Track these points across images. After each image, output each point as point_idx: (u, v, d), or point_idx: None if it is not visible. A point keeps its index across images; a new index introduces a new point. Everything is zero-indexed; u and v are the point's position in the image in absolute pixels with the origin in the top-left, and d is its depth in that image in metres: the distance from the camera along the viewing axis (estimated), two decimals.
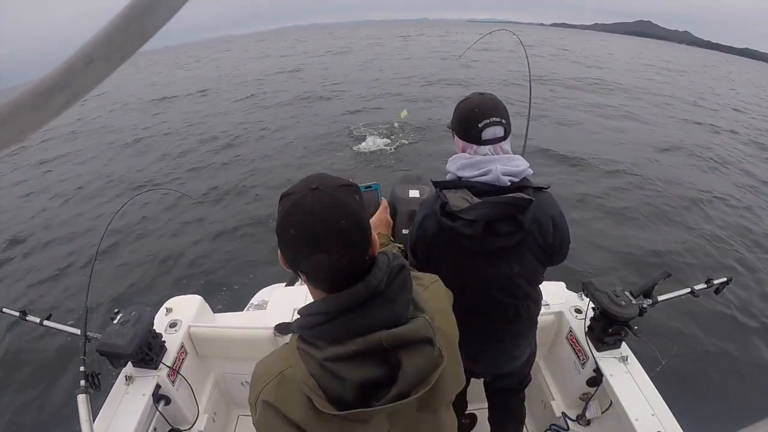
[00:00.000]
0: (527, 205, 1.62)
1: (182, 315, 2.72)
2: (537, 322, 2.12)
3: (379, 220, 1.80)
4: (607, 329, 2.37)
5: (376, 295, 0.97)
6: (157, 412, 2.33)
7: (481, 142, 1.70)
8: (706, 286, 2.55)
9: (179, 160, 11.97)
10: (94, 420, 1.94)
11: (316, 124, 14.70)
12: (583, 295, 2.74)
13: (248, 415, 3.06)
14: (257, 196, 9.11)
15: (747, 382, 5.09)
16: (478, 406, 2.74)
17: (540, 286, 1.98)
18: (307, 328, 1.01)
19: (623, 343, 2.49)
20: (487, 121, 1.67)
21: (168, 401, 2.39)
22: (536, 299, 1.98)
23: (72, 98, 0.27)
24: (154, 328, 2.38)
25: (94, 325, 2.31)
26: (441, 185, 1.78)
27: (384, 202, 1.87)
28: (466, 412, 2.74)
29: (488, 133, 1.68)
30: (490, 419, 2.64)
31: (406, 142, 12.26)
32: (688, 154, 12.67)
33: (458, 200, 1.66)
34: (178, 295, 2.94)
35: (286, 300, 2.80)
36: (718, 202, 9.42)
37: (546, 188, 1.73)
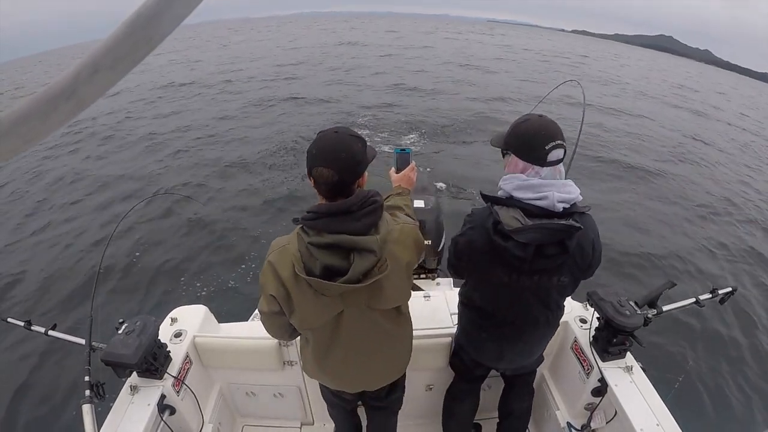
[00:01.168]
0: (576, 232, 1.69)
1: (187, 325, 2.72)
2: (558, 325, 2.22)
3: (404, 176, 2.17)
4: (611, 339, 2.37)
5: (347, 212, 1.51)
6: (162, 422, 2.32)
7: (545, 163, 1.72)
8: (711, 296, 2.55)
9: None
10: (98, 430, 1.95)
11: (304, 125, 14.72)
12: (587, 305, 2.74)
13: (253, 425, 3.07)
14: (264, 205, 9.12)
15: (751, 392, 5.06)
16: (487, 415, 2.73)
17: None
18: (304, 220, 1.54)
19: (628, 353, 2.48)
20: (553, 143, 1.70)
21: (173, 411, 2.39)
22: (563, 306, 2.09)
23: (78, 107, 0.27)
24: (159, 338, 2.38)
25: (99, 334, 2.30)
26: (492, 201, 1.82)
27: (413, 164, 2.20)
28: (474, 421, 2.85)
29: (554, 155, 1.71)
30: (505, 396, 2.75)
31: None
32: None
33: (511, 220, 1.71)
34: (183, 304, 2.95)
35: None
36: None
37: (588, 211, 1.77)
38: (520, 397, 2.71)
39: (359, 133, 1.62)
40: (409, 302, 1.95)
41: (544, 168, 1.73)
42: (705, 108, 26.31)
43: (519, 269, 1.84)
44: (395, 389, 2.28)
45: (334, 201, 1.54)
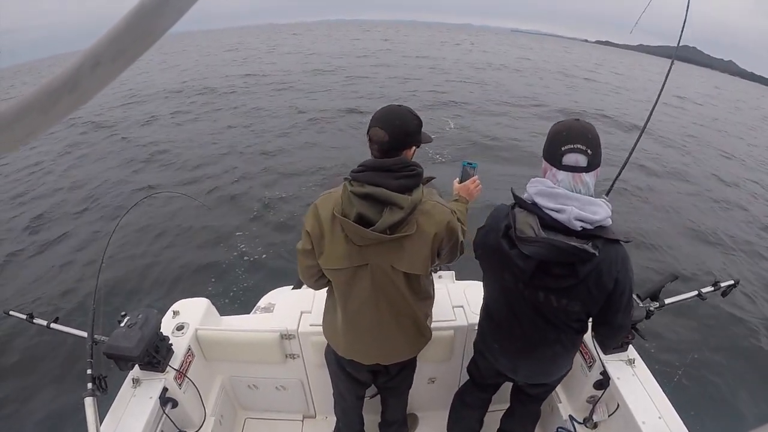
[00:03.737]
0: (589, 258, 1.59)
1: (189, 318, 2.72)
2: (579, 345, 2.16)
3: (464, 186, 2.26)
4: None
5: (388, 170, 1.71)
6: (164, 415, 2.33)
7: (560, 166, 1.64)
8: (713, 288, 2.54)
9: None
10: (101, 423, 1.95)
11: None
12: None
13: (255, 418, 3.08)
14: (265, 199, 9.13)
15: (754, 385, 5.06)
16: (498, 407, 2.73)
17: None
18: (353, 172, 1.75)
19: (630, 346, 2.48)
20: (571, 146, 1.60)
21: (175, 404, 2.40)
22: (579, 329, 1.93)
23: (79, 100, 0.27)
24: (161, 330, 2.38)
25: (101, 328, 2.31)
26: (517, 202, 1.76)
27: (475, 177, 2.27)
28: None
29: (569, 158, 1.61)
30: (509, 417, 2.68)
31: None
32: None
33: (525, 226, 1.66)
34: (185, 297, 2.95)
35: (293, 303, 2.80)
36: None
37: (624, 241, 1.66)
38: (522, 422, 2.65)
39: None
40: (434, 292, 2.18)
41: (560, 171, 1.64)
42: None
43: (522, 280, 1.77)
44: (405, 367, 2.34)
45: (378, 158, 1.76)
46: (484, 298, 2.16)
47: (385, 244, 1.75)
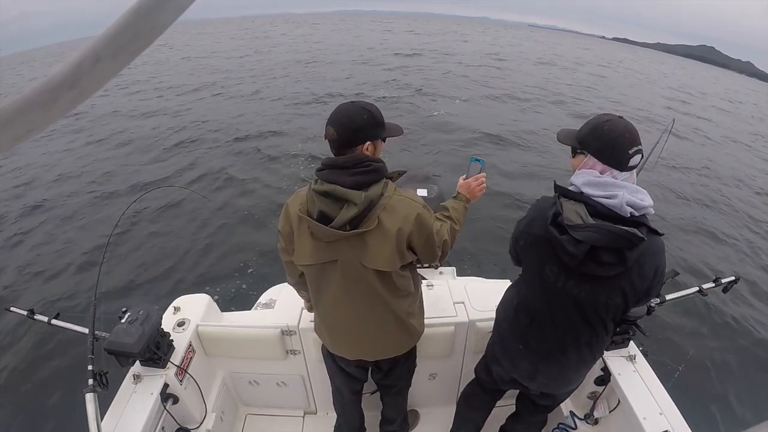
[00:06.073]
0: (638, 243, 1.60)
1: (190, 314, 2.72)
2: (602, 353, 2.15)
3: (465, 183, 2.23)
4: (615, 328, 2.37)
5: (342, 167, 1.75)
6: (165, 411, 2.33)
7: (626, 168, 1.67)
8: (714, 285, 2.54)
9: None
10: (102, 419, 1.95)
11: None
12: None
13: (256, 414, 3.09)
14: (267, 194, 9.12)
15: (754, 382, 5.07)
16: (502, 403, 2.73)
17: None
18: (316, 171, 1.81)
19: (631, 342, 2.48)
20: (636, 148, 1.65)
21: (176, 400, 2.40)
22: (610, 331, 1.94)
23: (80, 96, 0.27)
24: (162, 327, 2.39)
25: (102, 324, 2.31)
26: (561, 192, 1.77)
27: (478, 174, 2.24)
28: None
29: (634, 160, 1.66)
30: (514, 420, 2.67)
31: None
32: None
33: (573, 214, 1.66)
34: (186, 293, 2.95)
35: (294, 299, 2.80)
36: None
37: (661, 234, 1.70)
38: (528, 429, 2.65)
39: None
40: (416, 289, 2.14)
41: (623, 173, 1.68)
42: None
43: (568, 269, 1.76)
44: (397, 365, 2.34)
45: (333, 156, 1.83)
46: (515, 295, 2.11)
47: (350, 240, 1.79)
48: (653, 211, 1.67)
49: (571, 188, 1.75)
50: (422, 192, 3.05)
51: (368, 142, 1.80)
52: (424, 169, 9.39)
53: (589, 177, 1.68)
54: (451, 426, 2.77)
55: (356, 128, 1.76)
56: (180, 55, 37.65)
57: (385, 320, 2.04)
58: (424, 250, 1.92)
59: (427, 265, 3.48)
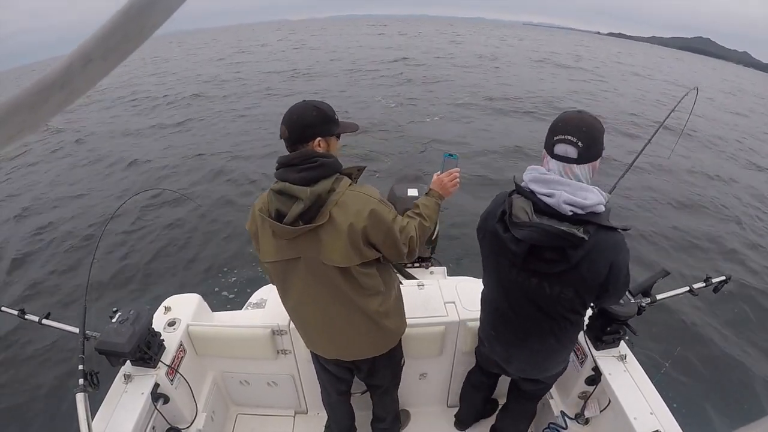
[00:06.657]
0: (579, 243, 1.60)
1: (181, 314, 2.72)
2: (576, 342, 2.17)
3: (438, 180, 2.20)
4: (605, 328, 2.38)
5: (290, 164, 1.78)
6: (156, 411, 2.33)
7: (552, 155, 1.67)
8: (704, 284, 2.55)
9: None
10: (92, 419, 1.94)
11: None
12: None
13: (247, 414, 3.08)
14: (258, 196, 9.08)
15: (744, 381, 5.10)
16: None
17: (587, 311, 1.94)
18: (275, 169, 1.83)
19: (622, 342, 2.49)
20: (562, 137, 1.62)
21: (167, 400, 2.39)
22: (576, 322, 1.94)
23: (70, 97, 0.27)
24: (153, 326, 2.38)
25: (93, 323, 2.30)
26: (516, 189, 1.79)
27: (451, 170, 2.20)
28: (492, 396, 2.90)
29: (559, 149, 1.63)
30: (503, 412, 2.73)
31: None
32: None
33: (520, 211, 1.69)
34: (177, 293, 2.94)
35: None
36: None
37: (622, 229, 1.67)
38: (516, 419, 2.70)
39: None
40: (388, 288, 2.10)
41: (552, 160, 1.67)
42: None
43: (515, 265, 1.79)
44: (377, 366, 2.31)
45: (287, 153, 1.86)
46: (483, 284, 2.17)
47: (308, 236, 1.80)
48: (603, 209, 1.64)
49: (522, 183, 1.77)
50: (413, 192, 3.06)
51: (319, 138, 1.82)
52: (414, 169, 9.43)
53: (536, 173, 1.70)
54: (442, 426, 2.80)
55: (306, 125, 1.79)
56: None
57: (353, 320, 2.02)
58: (386, 247, 1.89)
59: (417, 264, 3.48)
